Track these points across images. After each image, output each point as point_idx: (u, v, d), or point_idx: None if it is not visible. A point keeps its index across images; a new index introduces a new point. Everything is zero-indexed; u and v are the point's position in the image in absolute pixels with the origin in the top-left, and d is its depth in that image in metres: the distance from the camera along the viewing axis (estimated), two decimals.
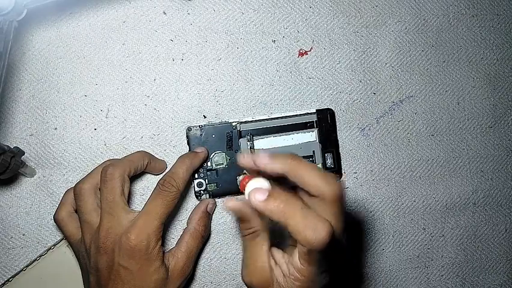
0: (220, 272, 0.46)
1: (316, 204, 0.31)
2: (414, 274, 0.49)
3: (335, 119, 0.48)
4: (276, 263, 0.34)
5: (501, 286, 0.51)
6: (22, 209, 0.44)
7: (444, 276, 0.50)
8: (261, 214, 0.32)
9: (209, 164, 0.45)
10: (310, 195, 0.32)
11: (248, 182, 0.33)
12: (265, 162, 0.32)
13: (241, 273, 0.36)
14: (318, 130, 0.47)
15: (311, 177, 0.31)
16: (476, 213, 0.51)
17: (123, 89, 0.45)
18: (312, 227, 0.29)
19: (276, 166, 0.32)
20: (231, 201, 0.33)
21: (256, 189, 0.31)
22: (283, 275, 0.33)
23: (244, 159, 0.34)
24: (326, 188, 0.31)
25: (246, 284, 0.36)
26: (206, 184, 0.45)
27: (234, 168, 0.45)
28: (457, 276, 0.50)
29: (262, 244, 0.34)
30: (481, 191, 0.51)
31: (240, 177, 0.39)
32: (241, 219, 0.34)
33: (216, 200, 0.46)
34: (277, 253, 0.35)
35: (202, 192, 0.45)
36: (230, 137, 0.45)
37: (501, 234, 0.51)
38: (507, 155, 0.51)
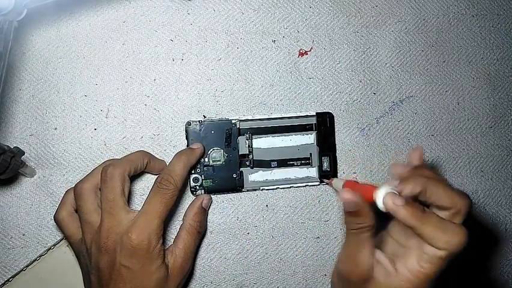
0: (220, 272, 0.46)
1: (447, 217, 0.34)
2: None
3: (333, 123, 0.48)
4: (377, 261, 0.35)
5: (501, 286, 0.51)
6: (22, 209, 0.44)
7: (444, 276, 0.50)
8: (365, 213, 0.33)
9: (206, 159, 0.45)
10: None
11: (376, 187, 0.34)
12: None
13: (338, 262, 0.36)
14: (317, 133, 0.47)
15: (444, 192, 0.34)
16: (476, 213, 0.51)
17: (123, 89, 0.45)
18: (452, 230, 0.32)
19: (413, 189, 0.33)
20: (349, 193, 0.33)
21: (393, 193, 0.33)
22: (386, 274, 0.34)
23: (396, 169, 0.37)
24: (460, 202, 0.34)
25: (340, 274, 0.36)
26: (202, 180, 0.45)
27: (231, 166, 0.45)
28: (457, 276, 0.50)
29: (368, 241, 0.34)
30: (481, 191, 0.51)
31: (338, 179, 0.41)
32: (355, 213, 0.34)
33: (212, 196, 0.46)
34: (378, 253, 0.35)
35: (197, 187, 0.45)
36: (229, 134, 0.46)
37: (501, 234, 0.51)
38: (507, 155, 0.51)
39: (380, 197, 0.33)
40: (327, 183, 0.46)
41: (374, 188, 0.34)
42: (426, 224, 0.32)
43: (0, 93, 0.34)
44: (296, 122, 0.47)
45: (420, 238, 0.33)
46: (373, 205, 0.33)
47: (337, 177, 0.47)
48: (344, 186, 0.39)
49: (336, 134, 0.48)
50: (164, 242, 0.39)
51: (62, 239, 0.43)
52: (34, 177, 0.44)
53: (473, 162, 0.50)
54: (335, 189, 0.45)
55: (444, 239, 0.32)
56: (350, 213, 0.34)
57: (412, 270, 0.33)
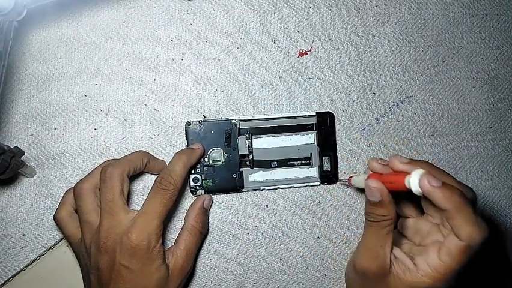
0: (220, 272, 0.46)
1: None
2: None
3: (334, 123, 0.48)
4: (395, 257, 0.35)
5: (501, 286, 0.51)
6: (22, 209, 0.44)
7: None
8: (388, 204, 0.33)
9: (206, 160, 0.45)
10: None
11: (407, 172, 0.33)
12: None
13: (355, 256, 0.36)
14: (317, 133, 0.47)
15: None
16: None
17: (123, 89, 0.45)
18: (477, 224, 0.31)
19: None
20: (375, 182, 0.33)
21: (428, 175, 0.32)
22: (406, 269, 0.34)
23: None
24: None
25: (357, 268, 0.36)
26: (202, 180, 0.45)
27: (231, 166, 0.45)
28: None
29: (387, 234, 0.35)
30: (481, 191, 0.51)
31: (359, 174, 0.41)
32: (377, 204, 0.33)
33: (212, 196, 0.46)
34: (396, 249, 0.36)
35: (197, 187, 0.45)
36: (229, 134, 0.46)
37: (501, 234, 0.51)
38: (507, 155, 0.51)
39: (416, 180, 0.32)
40: (344, 183, 0.46)
41: (405, 173, 0.33)
42: (461, 210, 0.32)
43: (0, 93, 0.34)
44: (296, 122, 0.47)
45: (439, 231, 0.33)
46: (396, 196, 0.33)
47: (338, 177, 0.47)
48: (369, 177, 0.39)
49: (336, 133, 0.48)
50: (164, 242, 0.39)
51: (62, 239, 0.43)
52: (34, 177, 0.44)
53: (473, 162, 0.50)
54: (354, 187, 0.45)
55: (469, 230, 0.31)
56: (374, 204, 0.34)
57: (433, 264, 0.33)
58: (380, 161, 0.37)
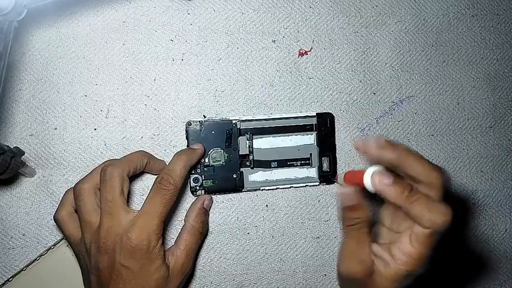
0: (220, 272, 0.46)
1: (424, 191, 0.34)
2: None
3: (334, 124, 0.48)
4: (375, 254, 0.35)
5: (501, 286, 0.51)
6: (22, 209, 0.44)
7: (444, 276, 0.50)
8: (360, 207, 0.33)
9: (206, 160, 0.45)
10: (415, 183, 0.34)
11: (365, 170, 0.34)
12: (377, 152, 0.34)
13: (340, 264, 0.36)
14: (317, 133, 0.47)
15: (420, 165, 0.34)
16: (476, 213, 0.51)
17: (123, 89, 0.45)
18: (437, 210, 0.32)
19: (386, 154, 0.34)
20: (344, 189, 0.33)
21: (381, 173, 0.33)
22: (385, 264, 0.34)
23: (359, 144, 0.35)
24: (433, 174, 0.34)
25: (343, 274, 0.36)
26: (202, 180, 0.45)
27: (231, 166, 0.45)
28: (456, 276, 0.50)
29: (366, 235, 0.35)
30: (481, 191, 0.51)
31: (342, 173, 0.41)
32: (351, 208, 0.34)
33: (213, 196, 0.46)
34: (374, 246, 0.36)
35: (197, 188, 0.45)
36: (229, 135, 0.46)
37: (501, 234, 0.51)
38: (507, 155, 0.51)
39: (368, 178, 0.33)
40: (336, 181, 0.47)
41: (364, 171, 0.34)
42: (414, 203, 0.32)
43: (0, 93, 0.34)
44: (296, 122, 0.47)
45: (408, 218, 0.33)
46: (368, 196, 0.34)
47: (336, 177, 0.47)
48: (344, 177, 0.39)
49: (336, 134, 0.48)
50: (164, 242, 0.39)
51: (62, 239, 0.43)
52: (34, 177, 0.44)
53: (473, 162, 0.50)
54: (341, 185, 0.45)
55: (430, 217, 0.32)
56: (347, 209, 0.34)
57: (406, 251, 0.33)
58: (365, 142, 0.37)
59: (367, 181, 0.33)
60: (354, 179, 0.35)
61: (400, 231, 0.35)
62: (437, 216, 0.32)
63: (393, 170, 0.34)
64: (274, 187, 0.46)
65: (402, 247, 0.34)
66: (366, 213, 0.34)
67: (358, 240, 0.35)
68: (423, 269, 0.34)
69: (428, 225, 0.32)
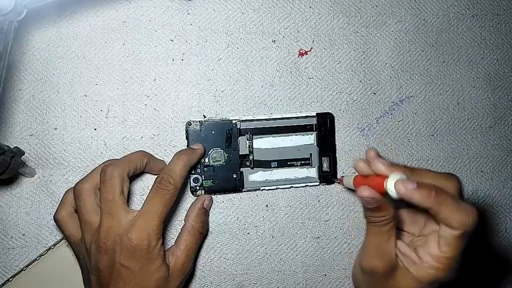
0: (220, 272, 0.46)
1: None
2: None
3: (334, 124, 0.48)
4: (400, 252, 0.36)
5: (501, 286, 0.51)
6: (22, 209, 0.44)
7: None
8: (385, 206, 0.33)
9: (206, 160, 0.45)
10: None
11: (384, 178, 0.34)
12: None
13: (362, 259, 0.37)
14: (317, 134, 0.47)
15: (434, 177, 0.35)
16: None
17: (123, 89, 0.45)
18: (464, 210, 0.32)
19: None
20: (367, 191, 0.33)
21: (403, 179, 0.33)
22: (411, 263, 0.35)
23: (361, 165, 0.36)
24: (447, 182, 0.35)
25: (365, 269, 0.36)
26: (202, 180, 0.45)
27: (231, 166, 0.45)
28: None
29: (390, 232, 0.35)
30: (481, 191, 0.51)
31: (349, 176, 0.41)
32: (376, 209, 0.34)
33: (213, 196, 0.46)
34: (400, 243, 0.36)
35: (197, 188, 0.45)
36: (229, 135, 0.46)
37: (501, 234, 0.51)
38: (507, 155, 0.51)
39: (391, 186, 0.33)
40: (338, 182, 0.47)
41: (383, 178, 0.34)
42: (442, 204, 0.32)
43: (0, 93, 0.34)
44: (297, 123, 0.47)
45: (434, 221, 0.33)
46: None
47: (337, 177, 0.47)
48: (354, 181, 0.39)
49: (336, 134, 0.48)
50: (164, 242, 0.39)
51: (62, 239, 0.43)
52: (34, 177, 0.44)
53: (473, 162, 0.50)
54: (347, 187, 0.45)
55: (458, 218, 0.32)
56: (371, 210, 0.34)
57: (435, 256, 0.34)
58: (366, 162, 0.37)
59: (391, 190, 0.33)
60: (374, 186, 0.34)
61: (425, 235, 0.35)
62: (465, 216, 0.32)
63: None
64: (274, 187, 0.46)
65: (431, 251, 0.34)
66: (390, 211, 0.34)
67: (380, 235, 0.35)
68: (452, 275, 0.34)
69: (458, 226, 0.32)
